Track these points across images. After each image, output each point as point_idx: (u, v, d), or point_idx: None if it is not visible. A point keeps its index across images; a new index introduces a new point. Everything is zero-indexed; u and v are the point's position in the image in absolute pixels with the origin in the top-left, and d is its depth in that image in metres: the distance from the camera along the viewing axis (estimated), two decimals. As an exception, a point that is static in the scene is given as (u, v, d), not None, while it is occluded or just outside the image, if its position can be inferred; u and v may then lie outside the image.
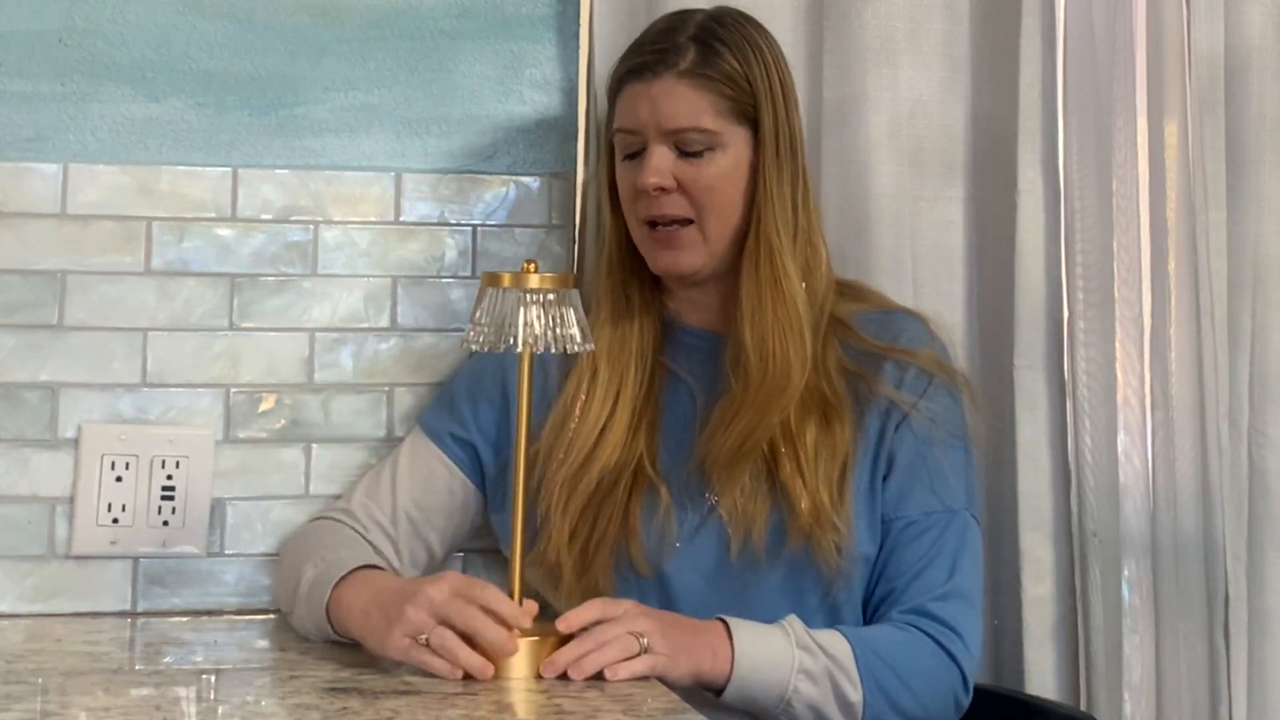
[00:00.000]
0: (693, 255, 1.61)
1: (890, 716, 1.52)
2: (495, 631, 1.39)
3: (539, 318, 1.44)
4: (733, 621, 1.48)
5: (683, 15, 1.66)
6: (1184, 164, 1.93)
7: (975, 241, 1.94)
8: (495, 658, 1.39)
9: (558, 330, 1.44)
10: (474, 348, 1.46)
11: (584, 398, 1.62)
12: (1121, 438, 1.89)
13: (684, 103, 1.59)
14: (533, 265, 1.47)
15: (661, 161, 1.59)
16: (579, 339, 1.45)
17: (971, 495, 1.65)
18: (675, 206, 1.60)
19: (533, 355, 1.46)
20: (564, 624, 1.42)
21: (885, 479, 1.61)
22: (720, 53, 1.61)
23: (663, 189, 1.59)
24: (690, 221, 1.60)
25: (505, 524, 1.66)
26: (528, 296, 1.44)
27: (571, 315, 1.45)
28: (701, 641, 1.46)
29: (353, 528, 1.68)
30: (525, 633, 1.42)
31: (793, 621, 1.51)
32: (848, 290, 1.70)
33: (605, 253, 1.68)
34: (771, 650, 1.47)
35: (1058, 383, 1.90)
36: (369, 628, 1.45)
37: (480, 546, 1.79)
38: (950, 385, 1.65)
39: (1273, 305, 1.97)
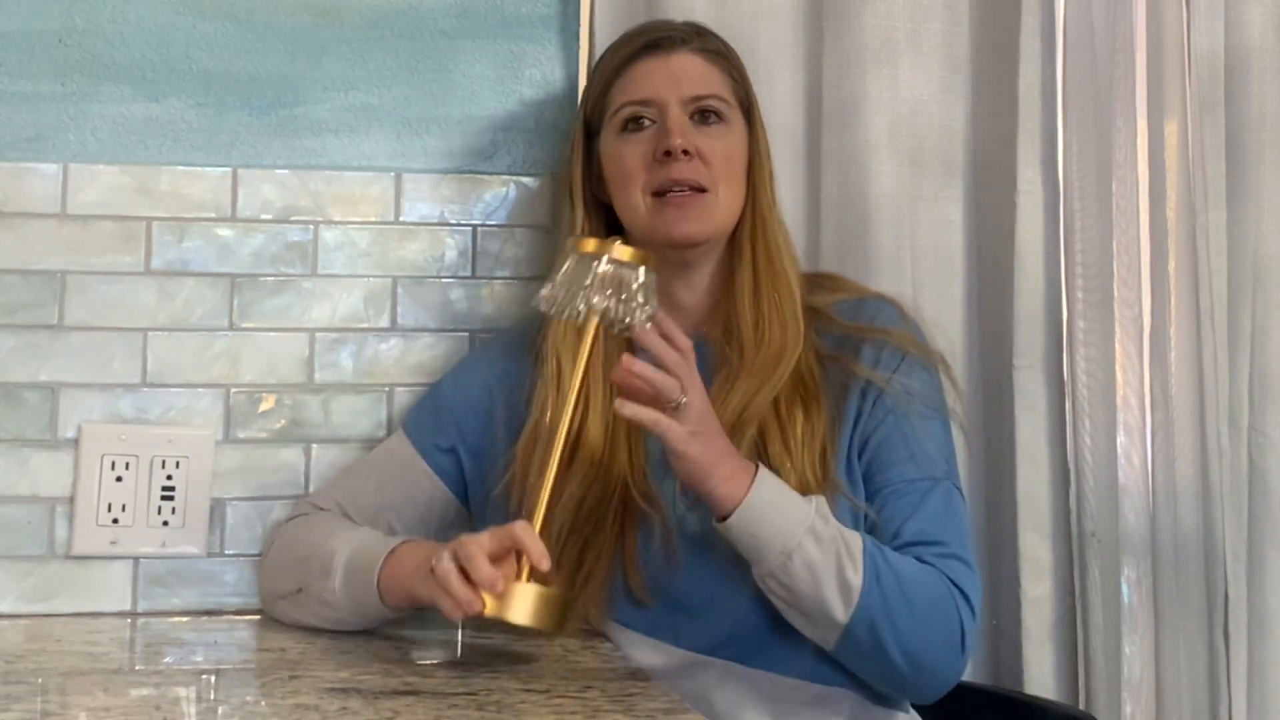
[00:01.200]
0: (707, 220, 1.61)
1: (885, 628, 1.47)
2: (484, 571, 1.37)
3: (611, 288, 1.44)
4: (763, 469, 1.48)
5: (664, 20, 1.73)
6: (1184, 164, 1.93)
7: (975, 241, 1.94)
8: (492, 594, 1.38)
9: (626, 304, 1.43)
10: (545, 308, 1.45)
11: (550, 410, 1.59)
12: (1121, 438, 1.89)
13: (702, 73, 1.64)
14: (618, 239, 1.47)
15: (684, 125, 1.61)
16: (642, 316, 1.44)
17: (952, 466, 1.62)
18: (694, 172, 1.60)
19: (599, 329, 1.45)
20: (642, 334, 1.42)
21: (862, 455, 1.59)
22: (716, 43, 1.68)
23: (685, 152, 1.59)
24: (703, 190, 1.60)
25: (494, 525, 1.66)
26: (606, 265, 1.44)
27: (643, 293, 1.44)
28: (727, 459, 1.46)
29: None
30: (535, 578, 1.39)
31: (820, 499, 1.50)
32: (823, 281, 1.71)
33: None
34: (788, 502, 1.47)
35: (1057, 383, 1.90)
36: (419, 577, 1.47)
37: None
38: (925, 361, 1.64)
39: (1273, 305, 1.97)
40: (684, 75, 1.63)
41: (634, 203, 1.62)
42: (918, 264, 1.90)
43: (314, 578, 1.59)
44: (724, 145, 1.62)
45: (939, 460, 1.60)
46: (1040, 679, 1.87)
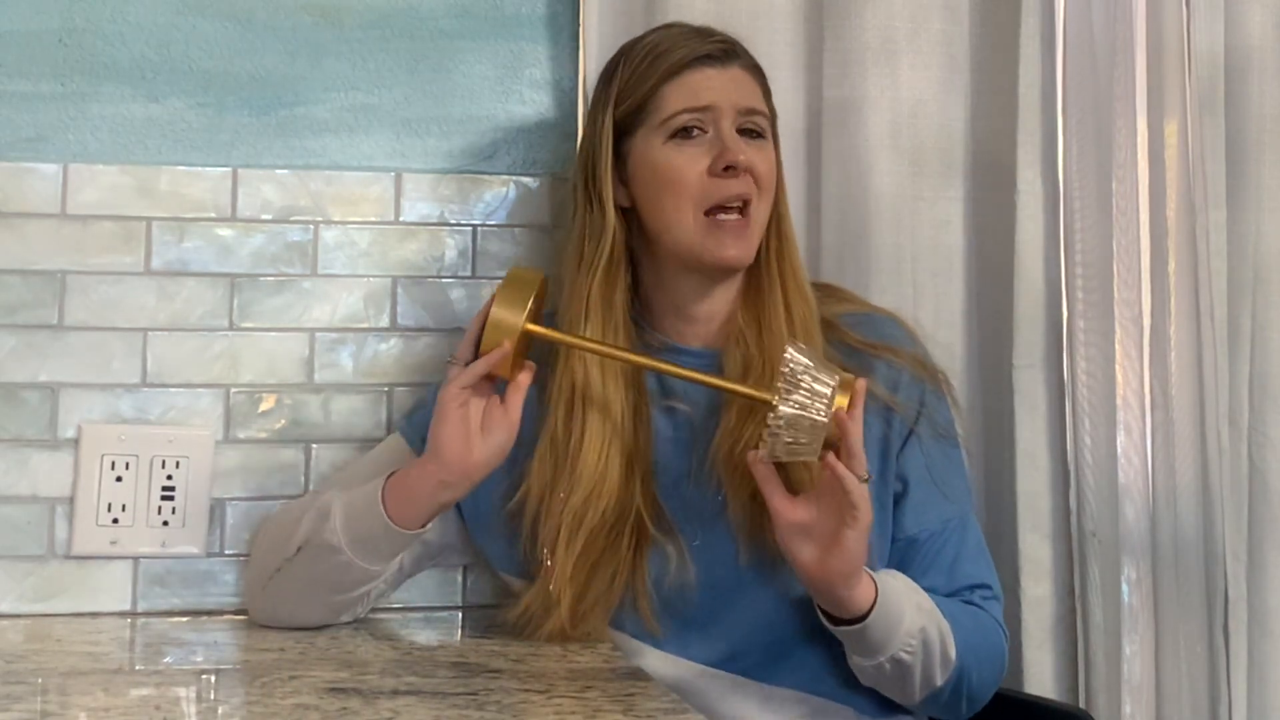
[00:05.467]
0: (750, 243, 1.60)
1: (964, 685, 1.55)
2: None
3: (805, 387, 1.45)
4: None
5: (702, 26, 1.67)
6: (1184, 164, 1.93)
7: (974, 241, 1.94)
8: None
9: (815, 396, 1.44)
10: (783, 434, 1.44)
11: (579, 424, 1.57)
12: (1121, 438, 1.89)
13: (752, 89, 1.63)
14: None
15: (739, 139, 1.59)
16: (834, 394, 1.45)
17: (970, 492, 1.68)
18: (748, 187, 1.58)
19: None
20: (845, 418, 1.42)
21: (899, 499, 1.61)
22: (753, 59, 1.66)
23: (741, 168, 1.58)
24: (747, 204, 1.59)
25: (492, 545, 1.65)
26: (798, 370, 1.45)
27: (824, 373, 1.45)
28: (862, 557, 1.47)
29: None
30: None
31: (894, 572, 1.54)
32: (829, 293, 1.71)
33: (603, 254, 1.60)
34: (899, 584, 1.51)
35: (1057, 383, 1.90)
36: (429, 466, 1.52)
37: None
38: (935, 388, 1.65)
39: (1273, 305, 1.97)
40: (741, 88, 1.61)
41: (681, 216, 1.58)
42: (918, 264, 1.90)
43: (313, 527, 1.56)
44: (767, 158, 1.61)
45: (963, 491, 1.65)
46: (1040, 679, 1.87)
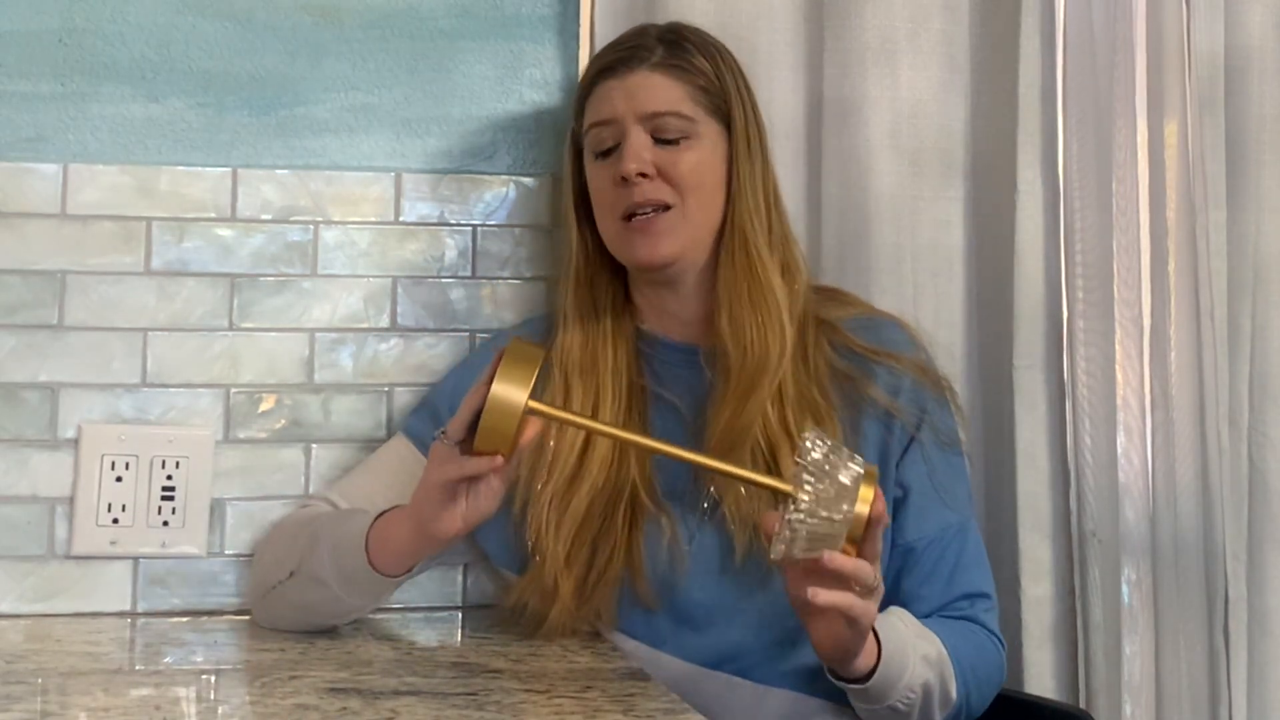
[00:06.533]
0: (671, 240, 1.59)
1: (963, 711, 1.55)
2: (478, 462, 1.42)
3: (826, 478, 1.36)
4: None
5: (646, 25, 1.69)
6: (1184, 164, 1.93)
7: (975, 241, 1.94)
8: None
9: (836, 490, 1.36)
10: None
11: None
12: (1121, 438, 1.89)
13: (660, 90, 1.60)
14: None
15: (641, 148, 1.58)
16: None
17: (971, 499, 1.67)
18: (657, 192, 1.58)
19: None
20: (831, 562, 1.35)
21: (899, 505, 1.60)
22: (689, 50, 1.64)
23: (644, 175, 1.57)
24: (669, 208, 1.58)
25: (493, 540, 1.65)
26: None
27: (841, 472, 1.37)
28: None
29: None
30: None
31: (902, 611, 1.53)
32: (832, 295, 1.70)
33: (572, 266, 1.66)
34: (899, 636, 1.48)
35: (1057, 383, 1.90)
36: (414, 516, 1.48)
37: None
38: (938, 394, 1.65)
39: (1273, 305, 1.97)
40: (639, 93, 1.60)
41: (606, 227, 1.62)
42: (918, 264, 1.90)
43: (304, 554, 1.57)
44: (689, 159, 1.59)
45: (964, 499, 1.65)
46: (1040, 679, 1.87)
